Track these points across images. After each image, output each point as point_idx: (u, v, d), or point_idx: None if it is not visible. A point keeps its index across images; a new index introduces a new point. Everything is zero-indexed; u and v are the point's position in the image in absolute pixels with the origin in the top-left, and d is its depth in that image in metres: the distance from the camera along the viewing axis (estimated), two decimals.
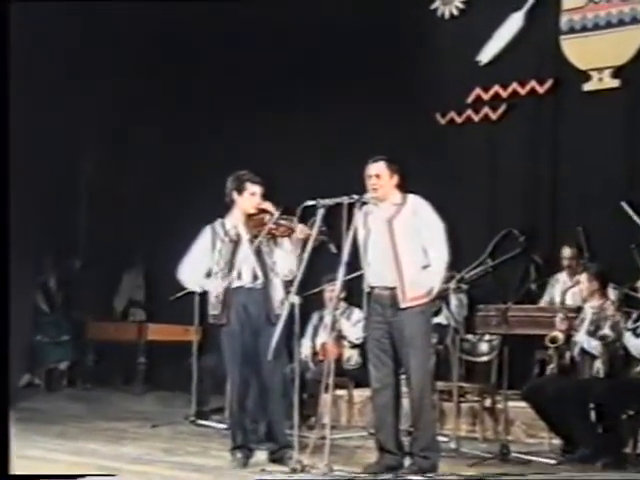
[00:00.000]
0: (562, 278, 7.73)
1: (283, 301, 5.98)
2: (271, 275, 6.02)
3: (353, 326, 7.71)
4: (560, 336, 6.20)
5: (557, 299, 7.33)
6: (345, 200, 5.63)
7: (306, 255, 5.67)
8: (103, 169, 11.01)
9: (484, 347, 7.36)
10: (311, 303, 7.39)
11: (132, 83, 10.42)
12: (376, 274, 5.72)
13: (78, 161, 10.99)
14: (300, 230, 5.86)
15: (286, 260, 6.00)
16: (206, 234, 6.16)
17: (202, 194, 8.66)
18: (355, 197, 5.66)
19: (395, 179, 5.81)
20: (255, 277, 6.01)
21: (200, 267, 6.13)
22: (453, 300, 6.83)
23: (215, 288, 6.04)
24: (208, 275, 6.13)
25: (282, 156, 9.37)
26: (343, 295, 7.46)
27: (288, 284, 6.00)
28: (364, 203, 5.75)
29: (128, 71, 10.40)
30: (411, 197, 5.81)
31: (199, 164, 10.10)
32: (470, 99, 8.95)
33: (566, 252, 7.79)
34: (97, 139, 11.02)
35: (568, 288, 6.88)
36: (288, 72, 9.61)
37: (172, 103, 10.36)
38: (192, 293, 7.47)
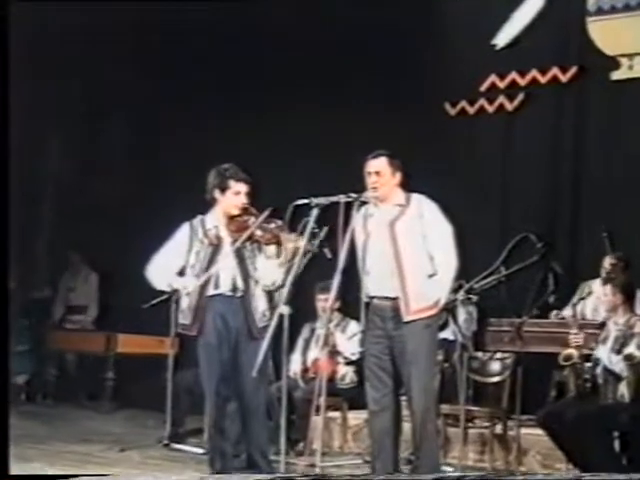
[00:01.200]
0: (596, 287, 7.71)
1: (266, 312, 6.00)
2: (252, 284, 6.03)
3: (349, 340, 7.71)
4: (575, 353, 6.21)
5: (588, 312, 7.34)
6: (342, 199, 5.64)
7: (297, 260, 5.67)
8: (69, 168, 11.05)
9: (495, 366, 7.37)
10: (302, 314, 7.40)
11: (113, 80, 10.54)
12: (376, 283, 5.74)
13: (42, 160, 11.02)
14: (286, 240, 5.86)
15: (269, 269, 6.00)
16: (183, 232, 6.16)
17: (182, 193, 8.67)
18: (353, 196, 5.68)
19: (398, 177, 5.83)
20: (235, 285, 6.02)
21: (172, 265, 6.12)
22: (461, 313, 6.84)
23: (187, 286, 6.01)
24: (181, 275, 6.12)
25: (273, 150, 9.39)
26: (338, 305, 7.47)
27: (274, 293, 6.02)
28: (363, 203, 5.77)
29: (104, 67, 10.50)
30: (416, 197, 5.83)
31: (178, 161, 10.11)
32: (484, 87, 8.97)
33: (607, 262, 7.76)
34: (64, 138, 11.08)
35: (580, 299, 6.90)
36: (287, 59, 9.61)
37: (163, 100, 10.40)
38: (168, 300, 7.48)
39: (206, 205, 6.22)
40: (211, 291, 6.02)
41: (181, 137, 10.27)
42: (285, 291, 5.68)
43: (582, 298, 7.06)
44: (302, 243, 5.65)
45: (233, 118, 9.86)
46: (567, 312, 7.66)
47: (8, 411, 4.70)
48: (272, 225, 5.96)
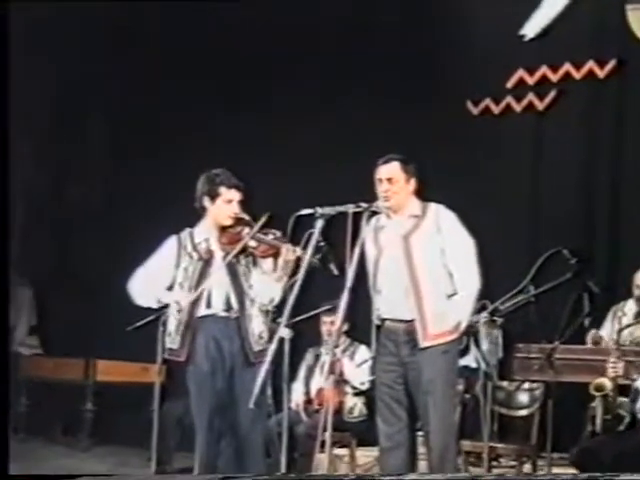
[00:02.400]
0: (629, 310, 7.71)
1: (263, 334, 6.00)
2: (248, 303, 6.04)
3: (358, 368, 7.73)
4: (608, 383, 6.21)
5: (624, 336, 7.33)
6: (350, 209, 5.65)
7: (300, 276, 5.68)
8: (44, 172, 11.13)
9: (523, 398, 7.37)
10: (305, 338, 7.41)
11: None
12: (389, 303, 5.76)
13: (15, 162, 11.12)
14: (287, 251, 5.86)
15: (266, 286, 6.01)
16: (170, 245, 6.18)
17: (171, 202, 8.70)
18: (363, 205, 5.68)
19: (412, 184, 5.84)
20: (228, 305, 6.03)
21: (158, 280, 6.14)
22: (485, 337, 6.84)
23: (180, 301, 6.02)
24: (169, 290, 6.15)
25: (271, 151, 9.41)
26: (345, 328, 7.49)
27: (273, 313, 6.03)
28: (374, 213, 5.78)
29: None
30: (433, 207, 5.84)
31: (167, 164, 10.16)
32: (511, 83, 8.99)
33: (639, 278, 7.77)
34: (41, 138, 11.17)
35: (625, 326, 6.89)
36: (291, 52, 9.66)
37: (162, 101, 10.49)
38: (156, 320, 7.48)
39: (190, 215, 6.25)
40: (202, 311, 6.03)
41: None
42: (286, 312, 5.68)
43: (629, 325, 7.05)
44: (305, 255, 5.64)
45: (223, 120, 9.89)
46: (605, 333, 7.67)
47: (8, 413, 4.76)
48: (270, 236, 5.96)
